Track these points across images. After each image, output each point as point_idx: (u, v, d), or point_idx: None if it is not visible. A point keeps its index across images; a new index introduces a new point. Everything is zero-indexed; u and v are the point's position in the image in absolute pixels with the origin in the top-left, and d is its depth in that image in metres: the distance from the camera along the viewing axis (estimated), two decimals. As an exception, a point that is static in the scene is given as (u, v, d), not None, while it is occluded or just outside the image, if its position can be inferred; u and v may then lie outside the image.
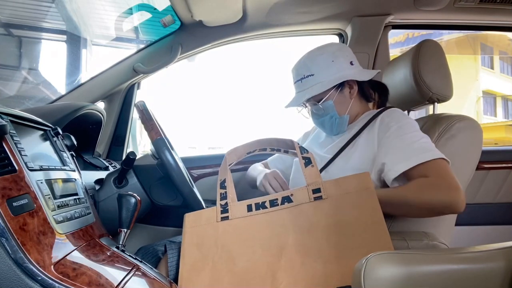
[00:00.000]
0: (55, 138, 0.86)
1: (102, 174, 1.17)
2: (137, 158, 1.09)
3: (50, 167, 0.74)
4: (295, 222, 0.87)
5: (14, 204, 0.58)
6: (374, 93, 1.22)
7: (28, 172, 0.64)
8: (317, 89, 1.10)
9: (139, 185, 1.11)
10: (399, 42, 7.91)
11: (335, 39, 1.83)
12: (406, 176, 0.97)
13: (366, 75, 1.14)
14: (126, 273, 0.70)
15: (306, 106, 1.19)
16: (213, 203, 1.03)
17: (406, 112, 1.31)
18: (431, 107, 1.23)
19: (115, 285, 0.64)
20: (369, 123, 1.09)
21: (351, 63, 1.14)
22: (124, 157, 1.30)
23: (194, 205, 0.99)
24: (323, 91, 1.10)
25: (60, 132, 0.89)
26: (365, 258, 0.58)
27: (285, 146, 1.00)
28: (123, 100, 1.80)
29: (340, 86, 1.13)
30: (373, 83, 1.21)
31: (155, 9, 1.85)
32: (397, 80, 1.23)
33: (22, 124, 0.75)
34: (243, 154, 1.04)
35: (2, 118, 0.66)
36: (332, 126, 1.15)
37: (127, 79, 1.72)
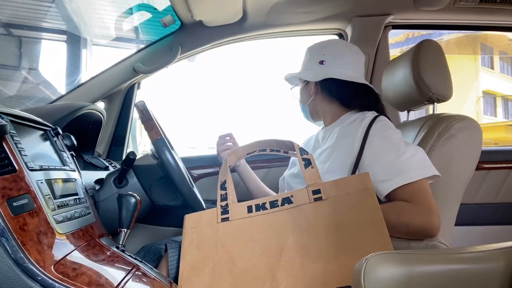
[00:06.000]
0: (55, 138, 0.86)
1: (102, 174, 1.17)
2: (137, 158, 1.09)
3: (50, 167, 0.74)
4: (295, 223, 0.87)
5: (14, 204, 0.58)
6: (355, 97, 1.15)
7: (28, 172, 0.64)
8: (296, 74, 1.25)
9: (139, 185, 1.11)
10: (399, 42, 7.90)
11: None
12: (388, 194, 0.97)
13: (319, 75, 1.16)
14: (126, 273, 0.70)
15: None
16: (213, 203, 1.03)
17: (406, 112, 1.32)
18: (430, 107, 1.23)
19: (115, 285, 0.64)
20: (356, 129, 1.06)
21: (321, 62, 1.18)
22: (124, 157, 1.30)
23: (194, 205, 0.99)
24: (297, 78, 1.26)
25: (60, 132, 0.89)
26: (365, 258, 0.58)
27: (285, 147, 1.00)
28: (123, 100, 1.80)
29: (306, 80, 1.23)
30: (355, 85, 1.14)
31: (155, 9, 1.85)
32: (396, 80, 1.23)
33: (22, 124, 0.75)
34: (243, 155, 1.04)
35: (2, 118, 0.66)
36: (302, 111, 1.29)
37: (127, 79, 1.72)
